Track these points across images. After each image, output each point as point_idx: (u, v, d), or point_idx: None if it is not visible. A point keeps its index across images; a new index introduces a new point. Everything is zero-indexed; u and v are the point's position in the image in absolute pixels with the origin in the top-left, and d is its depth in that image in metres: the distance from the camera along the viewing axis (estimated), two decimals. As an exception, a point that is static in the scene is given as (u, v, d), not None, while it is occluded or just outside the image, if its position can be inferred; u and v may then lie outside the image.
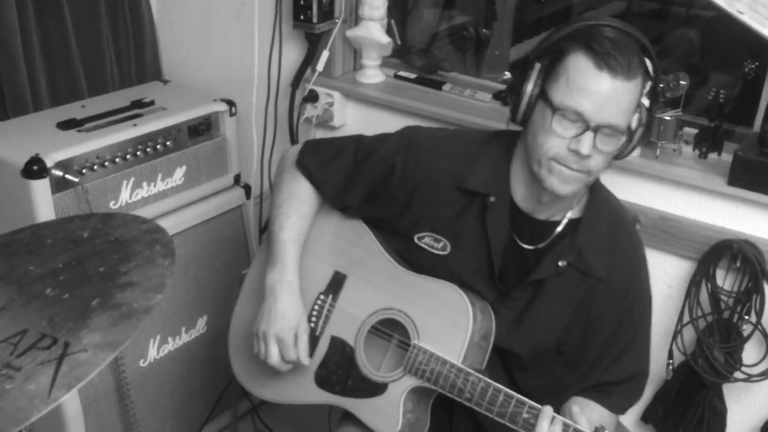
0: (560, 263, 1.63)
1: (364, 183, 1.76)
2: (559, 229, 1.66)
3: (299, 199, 1.80)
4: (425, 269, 1.72)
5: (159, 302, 1.06)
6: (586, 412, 1.64)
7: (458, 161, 1.69)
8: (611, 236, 1.66)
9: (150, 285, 1.10)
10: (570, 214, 1.66)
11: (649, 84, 1.52)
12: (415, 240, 1.72)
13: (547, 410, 1.51)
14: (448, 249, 1.69)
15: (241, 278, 1.95)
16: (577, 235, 1.63)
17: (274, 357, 1.71)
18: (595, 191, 1.68)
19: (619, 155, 1.58)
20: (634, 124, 1.53)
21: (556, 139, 1.49)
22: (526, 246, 1.68)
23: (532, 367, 1.71)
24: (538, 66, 1.53)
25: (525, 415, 1.53)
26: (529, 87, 1.53)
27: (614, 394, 1.70)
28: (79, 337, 1.01)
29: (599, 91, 1.45)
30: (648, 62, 1.51)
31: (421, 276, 1.71)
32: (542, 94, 1.52)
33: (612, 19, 1.53)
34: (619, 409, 1.73)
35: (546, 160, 1.52)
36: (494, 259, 1.66)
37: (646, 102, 1.54)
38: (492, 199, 1.65)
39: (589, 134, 1.47)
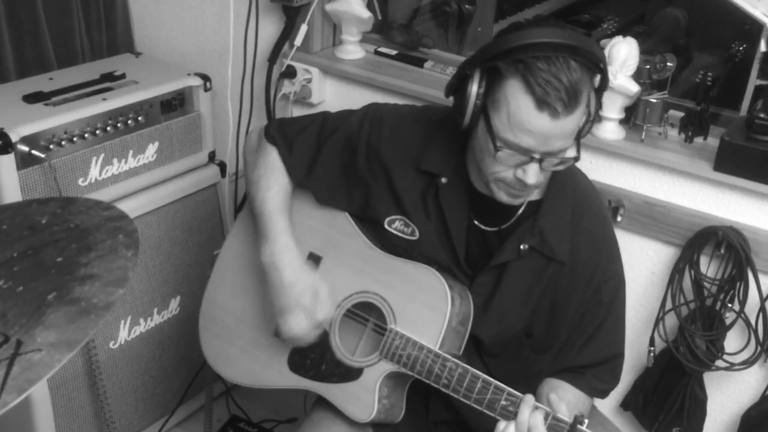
0: (522, 246, 1.60)
1: (328, 164, 1.73)
2: (520, 211, 1.62)
3: (278, 171, 1.76)
4: (399, 254, 1.68)
5: (120, 297, 1.00)
6: (560, 393, 1.62)
7: (419, 140, 1.67)
8: (574, 217, 1.63)
9: (111, 278, 1.03)
10: (531, 196, 1.62)
11: (597, 76, 1.46)
12: (386, 225, 1.69)
13: (529, 398, 1.48)
14: (417, 234, 1.66)
15: (212, 259, 1.90)
16: (539, 217, 1.60)
17: (303, 326, 1.64)
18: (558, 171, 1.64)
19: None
20: (581, 122, 1.47)
21: (501, 166, 1.47)
22: (487, 228, 1.65)
23: (501, 353, 1.68)
24: (477, 75, 1.46)
25: (503, 402, 1.50)
26: (472, 99, 1.46)
27: (588, 376, 1.68)
28: (33, 335, 0.94)
29: (542, 131, 1.41)
30: (592, 62, 1.43)
31: (398, 258, 1.67)
32: (484, 111, 1.46)
33: (544, 31, 1.41)
34: (594, 391, 1.70)
35: (494, 180, 1.52)
36: (455, 242, 1.64)
37: (593, 96, 1.47)
38: (443, 180, 1.63)
39: (534, 165, 1.45)
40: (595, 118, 1.50)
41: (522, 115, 1.40)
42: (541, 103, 1.38)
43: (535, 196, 1.62)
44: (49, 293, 1.02)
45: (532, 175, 1.45)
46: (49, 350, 0.92)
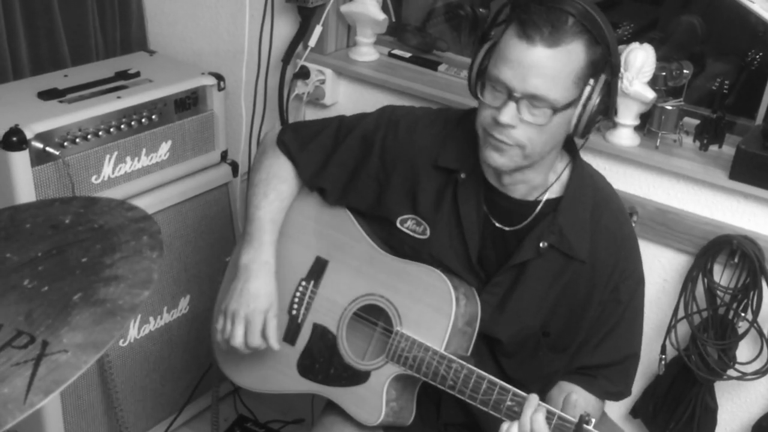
0: (541, 244, 1.59)
1: (342, 163, 1.74)
2: (538, 208, 1.61)
3: (278, 178, 1.77)
4: (407, 254, 1.68)
5: (146, 299, 1.00)
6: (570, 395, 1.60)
7: (436, 139, 1.68)
8: (593, 215, 1.62)
9: (136, 280, 1.03)
10: (549, 194, 1.62)
11: (599, 51, 1.45)
12: (398, 224, 1.69)
13: (533, 398, 1.47)
14: (428, 233, 1.66)
15: (224, 266, 1.89)
16: (558, 215, 1.60)
17: (238, 338, 1.69)
18: (577, 169, 1.64)
19: (576, 130, 1.51)
20: (585, 93, 1.47)
21: (486, 108, 1.49)
22: (505, 228, 1.64)
23: (518, 352, 1.68)
24: (489, 43, 1.52)
25: (509, 403, 1.50)
26: (478, 59, 1.52)
27: (600, 378, 1.67)
28: (59, 335, 0.94)
29: (519, 60, 1.42)
30: (594, 28, 1.43)
31: (403, 261, 1.67)
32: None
33: None
34: (606, 394, 1.69)
35: (482, 132, 1.52)
36: (468, 240, 1.63)
37: (603, 73, 1.48)
38: (462, 175, 1.63)
39: (511, 104, 1.44)
40: (598, 109, 1.49)
41: (507, 46, 1.44)
42: (521, 32, 1.42)
43: (554, 194, 1.62)
44: (74, 294, 1.01)
45: (506, 114, 1.44)
46: (76, 351, 0.92)
